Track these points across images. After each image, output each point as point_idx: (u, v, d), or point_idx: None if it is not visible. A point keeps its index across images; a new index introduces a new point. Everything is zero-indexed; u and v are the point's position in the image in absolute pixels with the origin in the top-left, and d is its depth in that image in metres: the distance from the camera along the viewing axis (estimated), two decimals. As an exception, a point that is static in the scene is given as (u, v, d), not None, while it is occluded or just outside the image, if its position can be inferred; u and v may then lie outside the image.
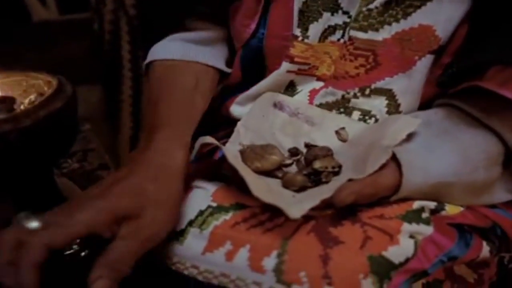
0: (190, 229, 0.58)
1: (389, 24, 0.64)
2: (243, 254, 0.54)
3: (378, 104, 0.68)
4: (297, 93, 0.73)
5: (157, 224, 0.55)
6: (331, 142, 0.66)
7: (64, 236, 0.50)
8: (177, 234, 0.58)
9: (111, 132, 1.25)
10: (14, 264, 0.49)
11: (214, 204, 0.59)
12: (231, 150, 0.64)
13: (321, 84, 0.71)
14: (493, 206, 0.63)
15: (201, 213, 0.59)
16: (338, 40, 0.68)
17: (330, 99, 0.70)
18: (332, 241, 0.53)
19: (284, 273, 0.52)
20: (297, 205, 0.54)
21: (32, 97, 0.61)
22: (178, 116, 0.65)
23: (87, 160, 0.81)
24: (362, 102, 0.69)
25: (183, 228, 0.58)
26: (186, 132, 0.64)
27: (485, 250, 0.61)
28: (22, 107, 0.60)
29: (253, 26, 0.72)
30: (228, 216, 0.58)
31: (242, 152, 0.63)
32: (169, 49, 0.75)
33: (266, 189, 0.57)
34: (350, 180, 0.56)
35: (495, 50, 0.56)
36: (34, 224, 0.51)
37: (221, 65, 0.77)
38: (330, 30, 0.68)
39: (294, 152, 0.65)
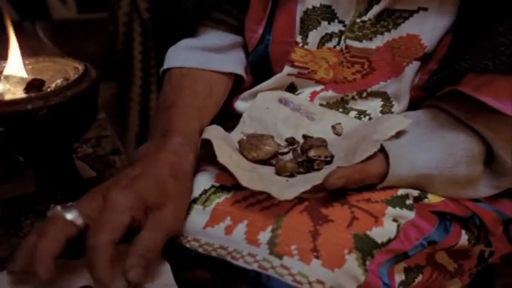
0: (194, 206, 0.64)
1: (381, 34, 0.70)
2: (241, 228, 0.60)
3: (374, 105, 0.74)
4: (298, 94, 0.79)
5: (177, 217, 0.61)
6: (327, 135, 0.72)
7: (119, 228, 0.54)
8: None
9: (120, 128, 1.30)
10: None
11: (217, 184, 0.65)
12: (231, 141, 0.70)
13: (321, 86, 0.77)
14: (477, 200, 0.69)
15: (205, 191, 0.65)
16: (334, 46, 0.74)
17: (330, 100, 0.77)
18: (322, 220, 0.59)
19: (277, 246, 0.57)
20: (290, 188, 0.60)
21: (59, 81, 0.67)
22: (190, 122, 0.70)
23: (100, 145, 0.87)
24: (360, 103, 0.75)
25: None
26: (197, 136, 0.69)
27: (464, 238, 0.67)
28: (49, 90, 0.66)
29: (260, 31, 0.78)
30: (229, 195, 0.64)
31: (240, 143, 0.70)
32: (187, 57, 0.79)
33: (257, 179, 0.62)
34: (340, 167, 0.63)
35: (472, 59, 0.62)
36: (73, 216, 0.55)
37: (239, 70, 0.82)
38: (327, 38, 0.74)
39: (290, 141, 0.71)
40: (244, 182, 0.60)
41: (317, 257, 0.56)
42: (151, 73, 1.27)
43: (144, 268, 0.55)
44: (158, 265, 0.61)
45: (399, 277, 0.65)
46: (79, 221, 0.56)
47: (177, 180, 0.62)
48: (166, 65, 0.80)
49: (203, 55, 0.80)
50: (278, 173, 0.66)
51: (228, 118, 0.80)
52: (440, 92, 0.67)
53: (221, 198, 0.64)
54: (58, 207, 0.56)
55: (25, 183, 0.78)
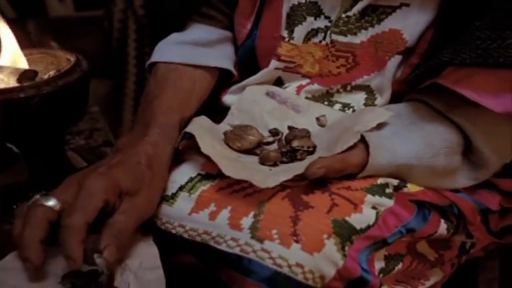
0: (180, 193, 0.66)
1: (366, 28, 0.72)
2: (224, 214, 0.62)
3: (358, 98, 0.76)
4: (285, 88, 0.80)
5: (149, 203, 0.64)
6: (312, 126, 0.74)
7: (92, 209, 0.57)
8: (168, 198, 0.66)
9: (114, 123, 1.32)
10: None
11: (203, 173, 0.67)
12: (217, 131, 0.72)
13: (307, 80, 0.79)
14: (455, 190, 0.70)
15: (191, 179, 0.67)
16: (320, 41, 0.76)
17: (316, 93, 0.78)
18: (302, 206, 0.61)
19: (258, 231, 0.59)
20: (272, 177, 0.62)
21: (52, 73, 0.69)
22: (171, 115, 0.72)
23: (93, 137, 0.89)
24: (344, 96, 0.77)
25: (174, 192, 0.66)
26: (177, 129, 0.71)
27: (443, 227, 0.69)
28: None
29: (249, 26, 0.80)
30: (214, 182, 0.65)
31: (225, 134, 0.72)
32: (173, 52, 0.80)
33: (240, 168, 0.64)
34: (321, 157, 0.64)
35: (450, 53, 0.64)
36: (51, 202, 0.58)
37: (226, 65, 0.83)
38: (313, 33, 0.76)
39: (274, 132, 0.73)
40: (226, 171, 0.62)
41: (297, 241, 0.58)
42: (145, 69, 1.28)
43: (117, 248, 0.57)
44: (146, 249, 0.63)
45: (379, 264, 0.66)
46: (57, 207, 0.58)
47: (153, 170, 0.64)
48: (152, 59, 0.81)
49: (190, 49, 0.81)
50: (262, 162, 0.68)
51: (217, 112, 0.81)
52: (421, 85, 0.69)
53: (206, 186, 0.65)
54: (37, 196, 0.59)
55: (18, 172, 0.80)
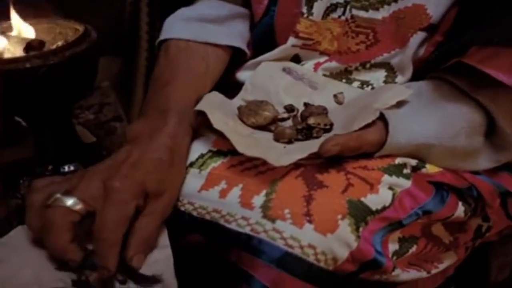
0: (190, 169, 0.64)
1: (388, 3, 0.70)
2: (235, 192, 0.60)
3: (377, 76, 0.74)
4: (302, 65, 0.78)
5: (171, 204, 0.62)
6: (328, 103, 0.71)
7: (126, 220, 0.57)
8: None
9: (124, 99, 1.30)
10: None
11: (214, 149, 0.65)
12: (231, 107, 0.70)
13: (325, 58, 0.77)
14: (475, 172, 0.68)
15: (201, 156, 0.65)
16: (339, 17, 0.74)
17: (334, 71, 0.76)
18: (316, 185, 0.59)
19: (270, 210, 0.57)
20: (286, 155, 0.60)
21: (59, 43, 0.67)
22: (188, 102, 0.69)
23: (102, 112, 0.87)
24: (363, 74, 0.75)
25: None
26: (193, 118, 0.68)
27: (460, 210, 0.67)
28: (49, 50, 0.66)
29: (265, 2, 0.78)
30: (225, 159, 0.63)
31: (239, 109, 0.69)
32: (182, 29, 0.78)
33: (254, 145, 0.62)
34: (336, 134, 0.62)
35: (476, 31, 0.62)
36: (71, 201, 0.56)
37: (237, 43, 0.80)
38: (332, 8, 0.74)
39: (289, 108, 0.71)
40: (240, 148, 0.60)
41: (309, 222, 0.56)
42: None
43: (145, 254, 0.57)
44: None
45: (392, 246, 0.64)
46: (79, 207, 0.56)
47: (174, 167, 0.63)
48: (162, 36, 0.79)
49: (197, 26, 0.78)
50: (276, 139, 0.66)
51: (230, 88, 0.79)
52: (445, 64, 0.66)
53: (217, 163, 0.63)
54: (57, 195, 0.56)
55: (25, 147, 0.79)
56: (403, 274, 0.66)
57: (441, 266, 0.73)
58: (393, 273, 0.63)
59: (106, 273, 0.55)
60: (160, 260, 0.59)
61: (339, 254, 0.57)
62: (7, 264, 0.57)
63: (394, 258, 0.65)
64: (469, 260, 0.79)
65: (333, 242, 0.56)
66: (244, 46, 0.80)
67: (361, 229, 0.58)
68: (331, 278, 0.58)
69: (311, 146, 0.61)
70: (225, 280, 0.61)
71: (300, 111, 0.71)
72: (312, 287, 0.57)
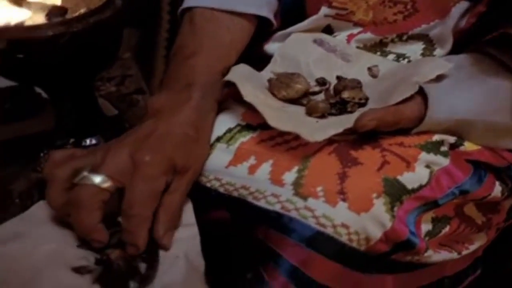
0: (218, 144, 0.61)
1: None
2: (265, 168, 0.57)
3: (414, 49, 0.71)
4: (334, 37, 0.75)
5: (195, 179, 0.59)
6: (362, 77, 0.68)
7: (156, 197, 0.54)
8: None
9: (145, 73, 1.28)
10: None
11: (243, 123, 0.63)
12: (260, 80, 0.67)
13: (359, 29, 0.73)
14: None
15: (229, 130, 0.62)
16: None
17: (368, 42, 0.73)
18: (351, 162, 0.57)
19: (302, 187, 0.55)
20: (320, 130, 0.57)
21: (82, 10, 0.65)
22: (214, 75, 0.66)
23: (124, 84, 0.85)
24: (399, 47, 0.72)
25: (210, 143, 0.62)
26: (219, 91, 0.66)
27: (497, 190, 0.65)
28: (72, 17, 0.64)
29: None
30: (255, 134, 0.61)
31: (269, 81, 0.67)
32: None
33: (285, 118, 0.60)
34: (373, 109, 0.60)
35: None
36: (99, 179, 0.53)
37: (264, 13, 0.76)
38: None
39: (321, 81, 0.68)
40: (272, 122, 0.57)
41: (343, 200, 0.54)
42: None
43: (173, 231, 0.56)
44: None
45: (425, 226, 0.62)
46: (108, 184, 0.53)
47: (199, 143, 0.60)
48: (185, 4, 0.75)
49: None
50: (309, 113, 0.63)
51: (258, 61, 0.75)
52: (488, 36, 0.63)
53: (246, 137, 0.61)
54: (85, 172, 0.54)
55: (45, 119, 0.78)
56: (434, 255, 0.64)
57: (472, 247, 0.71)
58: (425, 254, 0.61)
59: (135, 251, 0.53)
60: (185, 238, 0.57)
61: (373, 234, 0.55)
62: (28, 239, 0.55)
63: (427, 238, 0.62)
64: (493, 245, 0.77)
65: (367, 222, 0.54)
66: (271, 16, 0.76)
67: (396, 208, 0.56)
68: (362, 258, 0.56)
69: (345, 121, 0.58)
70: (251, 258, 0.59)
71: (332, 85, 0.68)
72: (341, 268, 0.55)
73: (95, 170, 0.54)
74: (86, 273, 0.52)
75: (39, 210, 0.58)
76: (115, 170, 0.54)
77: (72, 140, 0.71)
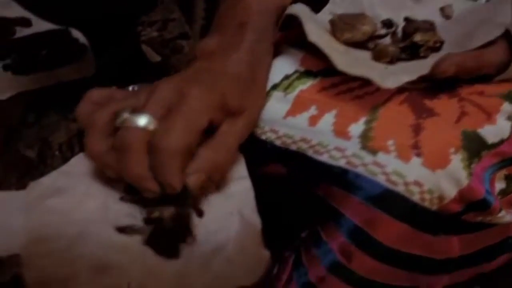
0: (274, 92, 0.56)
1: None
2: (328, 119, 0.52)
3: None
4: None
5: (250, 128, 0.54)
6: (434, 18, 0.62)
7: (195, 129, 0.48)
8: None
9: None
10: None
11: (302, 69, 0.57)
12: (318, 22, 0.61)
13: None
14: None
15: (286, 77, 0.57)
16: None
17: None
18: (426, 112, 0.51)
19: (371, 140, 0.50)
20: (391, 76, 0.51)
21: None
22: (268, 15, 0.59)
23: (167, 29, 0.80)
24: None
25: (266, 91, 0.57)
26: (275, 33, 0.60)
27: None
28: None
29: None
30: (316, 81, 0.56)
31: (332, 22, 0.61)
32: None
33: (353, 63, 0.54)
34: (451, 53, 0.53)
35: None
36: (144, 120, 0.47)
37: None
38: None
39: (387, 23, 0.62)
40: (340, 65, 0.52)
41: (418, 155, 0.49)
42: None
43: (208, 176, 0.49)
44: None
45: (499, 185, 0.56)
46: (153, 125, 0.47)
47: (256, 86, 0.55)
48: None
49: None
50: (377, 58, 0.57)
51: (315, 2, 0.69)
52: None
53: (306, 84, 0.56)
54: (126, 114, 0.48)
55: (85, 66, 0.74)
56: (507, 216, 0.58)
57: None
58: (499, 215, 0.55)
59: (169, 189, 0.47)
60: (238, 193, 0.53)
61: (447, 193, 0.49)
62: (70, 195, 0.52)
63: (499, 198, 0.57)
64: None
65: (442, 179, 0.49)
66: None
67: (473, 165, 0.51)
68: (432, 219, 0.51)
69: (419, 67, 0.52)
70: (308, 217, 0.56)
71: (400, 27, 0.62)
72: (410, 229, 0.50)
73: (138, 111, 0.48)
74: (132, 233, 0.49)
75: (80, 162, 0.54)
76: (160, 109, 0.48)
77: (114, 88, 0.66)
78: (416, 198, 0.49)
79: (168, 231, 0.48)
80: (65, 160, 0.55)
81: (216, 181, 0.52)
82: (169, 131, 0.46)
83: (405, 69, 0.54)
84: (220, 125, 0.50)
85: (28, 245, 0.47)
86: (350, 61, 0.54)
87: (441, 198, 0.49)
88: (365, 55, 0.58)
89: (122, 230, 0.49)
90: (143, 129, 0.47)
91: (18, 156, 0.64)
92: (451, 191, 0.49)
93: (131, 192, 0.51)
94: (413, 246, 0.52)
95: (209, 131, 0.50)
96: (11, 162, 0.63)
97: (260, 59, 0.56)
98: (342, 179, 0.50)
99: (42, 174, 0.53)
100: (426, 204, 0.49)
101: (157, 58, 0.75)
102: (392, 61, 0.56)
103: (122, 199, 0.52)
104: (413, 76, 0.51)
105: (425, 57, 0.56)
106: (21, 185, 0.56)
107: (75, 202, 0.51)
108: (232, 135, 0.51)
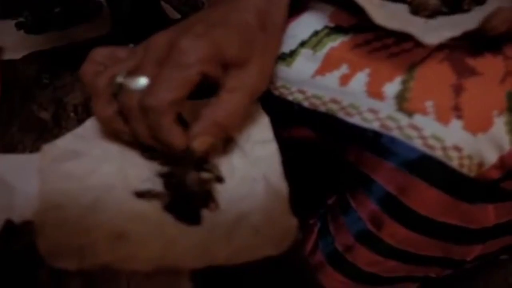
0: (302, 50, 0.52)
1: None
2: (360, 78, 0.49)
3: None
4: None
5: (263, 77, 0.49)
6: None
7: (183, 83, 0.44)
8: (285, 56, 0.53)
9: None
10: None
11: (332, 25, 0.53)
12: None
13: None
14: None
15: (315, 33, 0.53)
16: None
17: None
18: (468, 72, 0.47)
19: (408, 101, 0.46)
20: (432, 31, 0.47)
21: None
22: None
23: (186, -14, 0.77)
24: None
25: (293, 49, 0.53)
26: None
27: None
28: None
29: None
30: (347, 37, 0.51)
31: None
32: None
33: (391, 17, 0.50)
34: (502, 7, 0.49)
35: None
36: (142, 82, 0.44)
37: None
38: None
39: (427, -26, 0.58)
40: (378, 19, 0.47)
41: (458, 117, 0.45)
42: None
43: (215, 139, 0.46)
44: (255, 119, 0.52)
45: None
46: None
47: (266, 33, 0.50)
48: None
49: None
50: (415, 11, 0.53)
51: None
52: None
53: (336, 41, 0.51)
54: (121, 78, 0.45)
55: (100, 24, 0.71)
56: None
57: None
58: None
59: (172, 147, 0.45)
60: (263, 158, 0.50)
61: (488, 158, 0.46)
62: (85, 159, 0.49)
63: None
64: None
65: (483, 144, 0.46)
66: None
67: None
68: (469, 186, 0.48)
69: (463, 22, 0.48)
70: (337, 183, 0.54)
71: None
72: (447, 196, 0.47)
73: (133, 73, 0.45)
74: (151, 198, 0.46)
75: (95, 125, 0.51)
76: (154, 67, 0.45)
77: (131, 45, 0.63)
78: (454, 163, 0.45)
79: (189, 195, 0.46)
80: (80, 122, 0.53)
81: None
82: (154, 88, 0.43)
83: (448, 23, 0.50)
84: (224, 80, 0.46)
85: (42, 211, 0.44)
86: (387, 15, 0.50)
87: (480, 164, 0.46)
88: (402, 9, 0.54)
89: (141, 195, 0.46)
90: (140, 91, 0.44)
91: (32, 118, 0.62)
92: (492, 157, 0.46)
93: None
94: (449, 215, 0.49)
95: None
96: (26, 124, 0.61)
97: (277, 3, 0.51)
98: (375, 143, 0.47)
99: (56, 136, 0.51)
100: (465, 170, 0.46)
101: (176, 15, 0.71)
102: (432, 15, 0.52)
103: (145, 157, 0.49)
104: (457, 32, 0.46)
105: (468, 10, 0.52)
106: (36, 148, 0.55)
107: (91, 166, 0.48)
108: (239, 90, 0.46)
